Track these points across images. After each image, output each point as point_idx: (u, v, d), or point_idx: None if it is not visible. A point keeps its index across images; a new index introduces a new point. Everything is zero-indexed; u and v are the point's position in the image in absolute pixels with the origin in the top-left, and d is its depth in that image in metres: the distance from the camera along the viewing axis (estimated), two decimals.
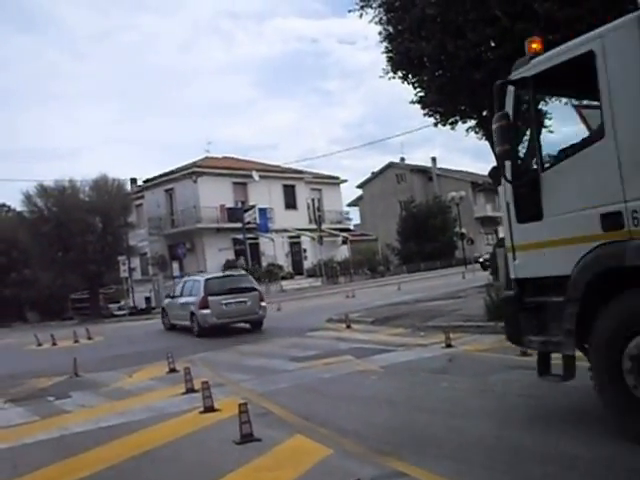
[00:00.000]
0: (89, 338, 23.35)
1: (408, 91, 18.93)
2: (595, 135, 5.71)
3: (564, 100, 7.38)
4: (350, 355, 12.11)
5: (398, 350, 12.23)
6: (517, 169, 6.33)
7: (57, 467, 6.41)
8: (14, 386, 12.81)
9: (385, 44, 18.83)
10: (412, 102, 19.45)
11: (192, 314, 20.26)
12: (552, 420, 6.24)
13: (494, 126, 6.22)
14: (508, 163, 6.30)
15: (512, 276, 6.56)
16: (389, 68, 18.95)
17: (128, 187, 47.63)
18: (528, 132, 6.52)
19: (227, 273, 24.13)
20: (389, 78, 19.07)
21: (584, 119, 6.73)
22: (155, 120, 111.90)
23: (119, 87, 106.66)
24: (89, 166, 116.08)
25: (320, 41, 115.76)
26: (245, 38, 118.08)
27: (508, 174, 6.32)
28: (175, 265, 43.85)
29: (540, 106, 7.26)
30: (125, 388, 11.38)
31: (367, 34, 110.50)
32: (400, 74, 18.81)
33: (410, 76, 18.68)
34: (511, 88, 6.36)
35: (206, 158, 46.94)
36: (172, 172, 46.34)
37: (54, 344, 22.41)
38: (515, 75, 6.32)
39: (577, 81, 6.11)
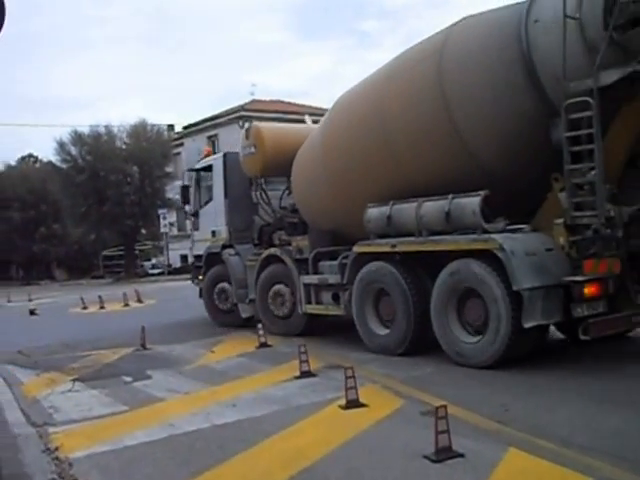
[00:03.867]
0: (139, 301, 22.28)
1: None
2: (211, 198, 14.83)
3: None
4: None
5: None
6: (193, 207, 15.61)
7: None
8: (74, 360, 11.51)
9: None
10: None
11: None
12: None
13: (180, 191, 16.62)
14: (187, 206, 16.18)
15: (193, 253, 16.06)
16: None
17: (165, 134, 46.24)
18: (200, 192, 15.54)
19: None
20: None
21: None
22: (183, 65, 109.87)
23: (144, 31, 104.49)
24: (122, 114, 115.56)
25: None
26: None
27: (187, 210, 16.46)
28: None
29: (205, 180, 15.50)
30: (213, 367, 10.00)
31: None
32: None
33: None
34: (192, 173, 15.98)
35: (254, 101, 44.83)
36: (216, 117, 44.55)
37: (102, 307, 21.47)
38: (196, 166, 16.02)
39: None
